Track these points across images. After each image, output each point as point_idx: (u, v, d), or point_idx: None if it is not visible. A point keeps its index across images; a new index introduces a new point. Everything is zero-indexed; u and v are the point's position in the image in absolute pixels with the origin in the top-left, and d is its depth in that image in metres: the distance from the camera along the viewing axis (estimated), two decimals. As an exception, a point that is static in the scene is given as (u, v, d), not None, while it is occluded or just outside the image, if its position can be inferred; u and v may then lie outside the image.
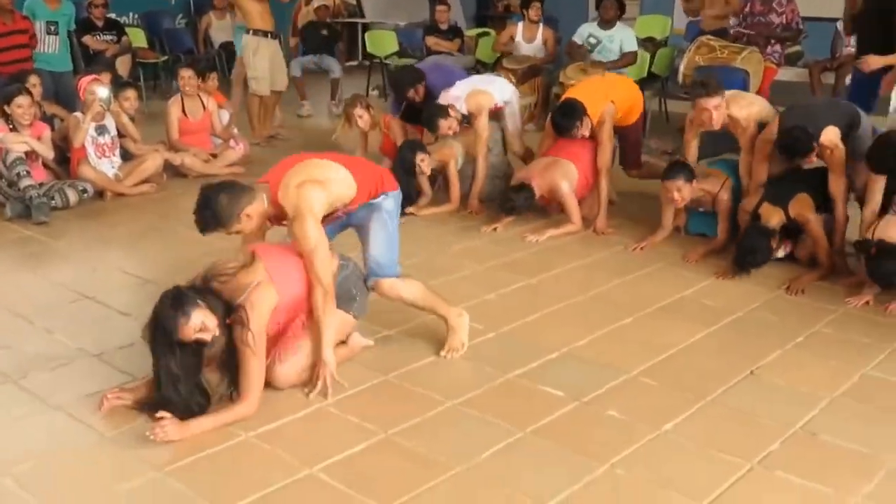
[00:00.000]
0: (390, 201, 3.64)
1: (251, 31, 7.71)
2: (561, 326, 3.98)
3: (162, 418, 2.92)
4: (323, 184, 3.33)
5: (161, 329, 2.96)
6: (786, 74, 7.77)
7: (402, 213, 3.89)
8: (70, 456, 2.92)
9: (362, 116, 6.16)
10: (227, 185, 3.31)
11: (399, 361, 3.59)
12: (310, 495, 2.71)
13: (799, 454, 2.94)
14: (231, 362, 3.10)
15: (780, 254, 4.74)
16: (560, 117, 5.41)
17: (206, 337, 2.99)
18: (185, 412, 3.00)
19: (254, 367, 3.08)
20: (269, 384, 3.22)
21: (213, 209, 3.19)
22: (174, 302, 2.96)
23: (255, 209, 3.26)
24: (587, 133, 5.35)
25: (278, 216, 3.39)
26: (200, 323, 2.96)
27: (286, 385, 3.30)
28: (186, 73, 6.93)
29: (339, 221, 3.67)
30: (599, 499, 2.70)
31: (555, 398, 3.30)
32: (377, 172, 3.67)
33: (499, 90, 5.98)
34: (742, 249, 4.58)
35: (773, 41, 7.55)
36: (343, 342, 3.55)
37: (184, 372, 3.01)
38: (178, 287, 3.05)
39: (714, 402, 3.28)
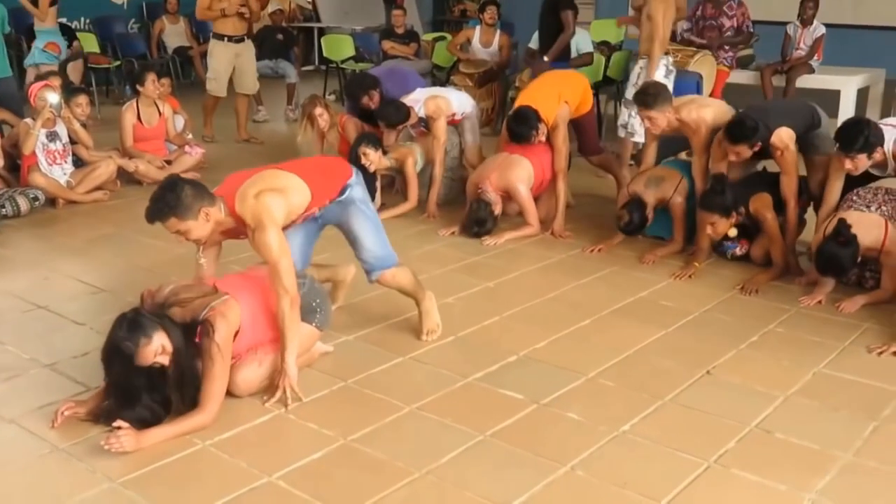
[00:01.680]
0: (357, 190, 3.62)
1: (212, 34, 8.01)
2: (519, 329, 4.00)
3: (118, 428, 2.88)
4: (282, 192, 3.31)
5: (118, 354, 2.92)
6: (738, 77, 7.88)
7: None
8: (22, 468, 2.87)
9: (322, 115, 6.17)
10: (196, 182, 3.30)
11: (358, 367, 3.57)
12: (269, 503, 2.69)
13: (754, 452, 2.98)
14: (184, 382, 3.04)
15: (738, 252, 4.81)
16: (515, 126, 5.43)
17: (164, 360, 2.96)
18: (141, 422, 2.96)
19: (217, 377, 3.05)
20: (228, 392, 3.18)
21: (177, 194, 3.14)
22: (132, 326, 2.92)
23: (214, 213, 3.23)
24: (543, 139, 5.39)
25: (234, 229, 3.36)
26: (160, 346, 2.94)
27: (246, 393, 3.27)
28: (154, 77, 6.81)
29: (313, 223, 3.65)
30: (560, 500, 2.71)
31: (514, 401, 3.31)
32: (328, 168, 3.61)
33: (457, 100, 5.99)
34: (709, 192, 4.65)
35: (724, 45, 7.66)
36: (304, 349, 3.53)
37: (141, 390, 2.98)
38: (136, 310, 3.01)
39: (671, 402, 3.32)
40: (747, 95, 6.91)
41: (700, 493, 2.74)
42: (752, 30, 7.77)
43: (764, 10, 8.43)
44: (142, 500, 2.68)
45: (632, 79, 6.55)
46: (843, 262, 4.11)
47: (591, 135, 6.02)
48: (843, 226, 4.07)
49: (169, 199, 3.15)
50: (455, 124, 6.03)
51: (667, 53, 6.47)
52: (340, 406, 3.30)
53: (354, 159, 5.50)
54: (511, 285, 4.61)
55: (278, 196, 3.28)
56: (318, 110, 6.17)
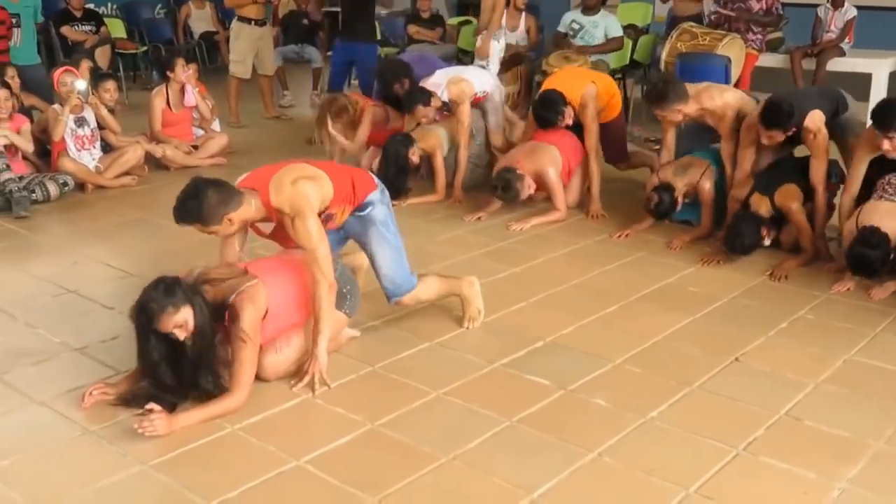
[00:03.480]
0: (379, 209, 3.58)
1: (237, 18, 8.17)
2: (546, 315, 3.98)
3: (150, 411, 2.90)
4: (315, 179, 3.32)
5: (143, 311, 2.94)
6: (767, 61, 7.78)
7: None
8: (54, 451, 2.91)
9: (337, 134, 5.93)
10: (220, 183, 3.24)
11: (385, 352, 3.58)
12: (297, 487, 2.70)
13: (784, 440, 2.96)
14: (200, 364, 3.06)
15: (766, 242, 4.76)
16: (542, 111, 5.41)
17: (181, 335, 2.97)
18: (170, 402, 2.98)
19: (247, 360, 3.07)
20: (256, 376, 3.20)
21: (199, 202, 3.14)
22: (166, 291, 2.94)
23: (239, 215, 3.21)
24: (570, 122, 5.36)
25: (266, 221, 3.36)
26: (183, 320, 2.95)
27: (274, 377, 3.29)
28: (182, 61, 6.84)
29: (333, 234, 3.65)
30: (587, 486, 2.71)
31: (541, 387, 3.31)
32: (347, 176, 3.55)
33: (478, 80, 5.95)
34: (731, 234, 4.60)
35: (753, 27, 7.57)
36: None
37: (162, 357, 3.00)
38: (176, 278, 3.02)
39: (699, 389, 3.30)
40: (777, 79, 6.83)
41: (728, 481, 2.72)
42: (781, 12, 7.66)
43: (793, -7, 8.31)
44: (172, 482, 2.71)
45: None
46: (873, 264, 4.07)
47: (619, 144, 5.88)
48: (869, 233, 4.05)
49: (191, 208, 3.15)
50: (479, 102, 5.99)
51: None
52: (367, 391, 3.31)
53: (401, 161, 5.46)
54: (537, 271, 4.59)
55: (313, 183, 3.30)
56: (330, 128, 5.89)
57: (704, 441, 2.94)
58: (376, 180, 3.65)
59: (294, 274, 3.32)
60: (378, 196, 3.59)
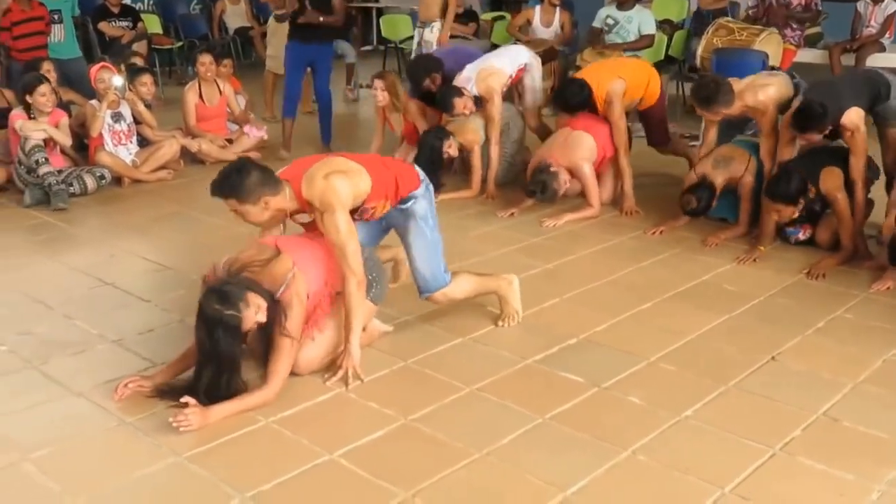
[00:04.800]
0: (421, 203, 3.57)
1: (273, 15, 8.14)
2: (579, 312, 3.96)
3: (186, 404, 2.92)
4: (347, 174, 3.31)
5: (222, 325, 2.93)
6: (805, 56, 7.70)
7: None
8: (90, 441, 2.94)
9: (376, 95, 6.07)
10: (264, 167, 3.30)
11: (418, 347, 3.58)
12: (330, 480, 2.71)
13: (821, 440, 2.92)
14: (267, 351, 3.12)
15: (802, 237, 4.70)
16: (561, 92, 5.50)
17: (263, 318, 3.02)
18: (209, 397, 3.00)
19: (288, 356, 3.11)
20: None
21: (242, 177, 3.16)
22: (225, 297, 2.95)
23: (276, 202, 3.24)
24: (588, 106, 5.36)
25: (301, 212, 3.38)
26: (257, 305, 2.99)
27: (307, 371, 3.30)
28: (206, 59, 6.92)
29: (375, 225, 3.65)
30: (621, 485, 2.69)
31: (574, 384, 3.29)
32: (391, 171, 3.53)
33: (510, 60, 5.91)
34: (775, 181, 4.53)
35: (792, 23, 7.47)
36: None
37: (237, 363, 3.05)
38: (216, 279, 3.06)
39: (735, 388, 3.26)
40: (815, 75, 6.73)
41: (765, 481, 2.69)
42: (820, 7, 7.57)
43: (833, -12, 8.20)
44: (207, 474, 2.73)
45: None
46: None
47: (659, 126, 5.85)
48: None
49: (233, 181, 3.18)
50: (517, 82, 5.95)
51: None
52: (400, 386, 3.32)
53: (435, 155, 5.45)
54: (571, 267, 4.57)
55: (346, 178, 3.28)
56: (377, 84, 6.04)
57: (740, 440, 2.91)
58: (421, 176, 3.63)
59: (322, 250, 3.32)
60: (422, 192, 3.58)
